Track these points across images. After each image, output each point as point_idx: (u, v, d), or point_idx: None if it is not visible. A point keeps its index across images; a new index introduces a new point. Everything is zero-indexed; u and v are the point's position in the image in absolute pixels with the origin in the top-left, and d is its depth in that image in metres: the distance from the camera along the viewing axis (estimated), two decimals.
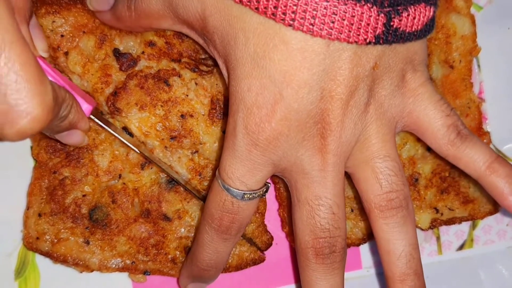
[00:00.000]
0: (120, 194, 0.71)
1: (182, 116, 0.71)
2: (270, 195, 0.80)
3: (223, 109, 0.72)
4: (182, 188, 0.72)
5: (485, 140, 0.79)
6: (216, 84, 0.72)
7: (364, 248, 0.83)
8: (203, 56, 0.73)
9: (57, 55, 0.70)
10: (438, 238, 0.85)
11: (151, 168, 0.72)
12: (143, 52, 0.71)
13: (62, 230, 0.71)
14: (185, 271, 0.70)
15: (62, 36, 0.69)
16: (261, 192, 0.63)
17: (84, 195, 0.71)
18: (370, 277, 0.83)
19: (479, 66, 0.85)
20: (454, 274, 0.84)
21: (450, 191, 0.77)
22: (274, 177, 0.76)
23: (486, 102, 0.85)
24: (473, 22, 0.78)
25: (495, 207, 0.79)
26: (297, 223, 0.63)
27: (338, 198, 0.62)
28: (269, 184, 0.65)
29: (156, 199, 0.71)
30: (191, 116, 0.71)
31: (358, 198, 0.76)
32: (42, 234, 0.71)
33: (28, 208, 0.72)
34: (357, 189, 0.65)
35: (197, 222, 0.73)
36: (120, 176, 0.72)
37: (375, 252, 0.83)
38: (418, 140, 0.76)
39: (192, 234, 0.73)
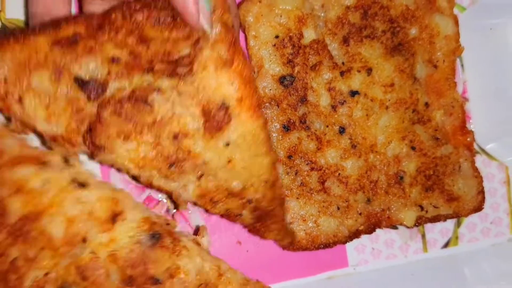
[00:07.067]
0: (89, 268, 0.56)
1: (174, 137, 0.59)
2: None
3: (219, 119, 0.60)
4: (168, 241, 0.59)
5: (469, 139, 0.80)
6: (203, 87, 0.59)
7: (350, 246, 0.84)
8: (176, 56, 0.59)
9: (8, 103, 0.56)
10: (423, 236, 0.85)
11: (124, 219, 0.58)
12: (108, 73, 0.57)
13: None
14: None
15: (5, 81, 0.55)
16: None
17: (46, 274, 0.56)
18: (356, 275, 0.83)
19: (462, 66, 0.86)
20: (439, 271, 0.85)
21: (435, 188, 0.78)
22: None
23: (470, 101, 0.87)
24: (456, 23, 0.79)
25: (480, 205, 0.81)
26: None
27: None
28: None
29: (140, 261, 0.57)
30: (185, 135, 0.59)
31: (345, 196, 0.76)
32: None
33: None
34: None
35: (193, 278, 0.61)
36: (84, 240, 0.56)
37: (362, 250, 0.84)
38: (403, 138, 0.77)
39: None
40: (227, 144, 0.60)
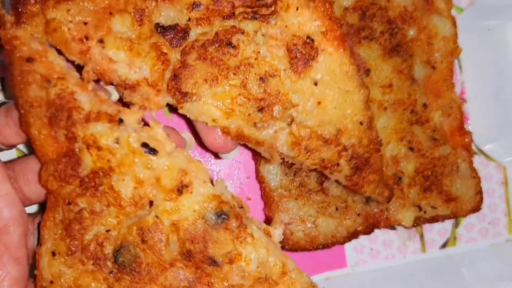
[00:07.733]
0: (151, 231, 0.55)
1: (261, 79, 0.59)
2: (256, 195, 0.80)
3: (305, 53, 0.59)
4: (234, 224, 0.57)
5: (467, 140, 0.80)
6: (286, 26, 0.59)
7: (349, 247, 0.84)
8: None
9: (87, 46, 0.55)
10: (421, 236, 0.86)
11: (191, 192, 0.56)
12: (189, 19, 0.58)
13: (82, 274, 0.57)
14: None
15: (85, 24, 0.55)
16: None
17: (107, 230, 0.56)
18: (355, 275, 0.84)
19: (460, 67, 0.86)
20: (437, 272, 0.85)
21: (433, 189, 0.78)
22: (260, 176, 0.76)
23: (467, 102, 0.87)
24: (454, 24, 0.79)
25: (478, 205, 0.81)
26: None
27: None
28: None
29: (200, 237, 0.56)
30: (272, 76, 0.59)
31: (343, 197, 0.76)
32: (57, 277, 0.57)
33: (40, 244, 0.58)
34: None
35: (254, 269, 0.58)
36: (151, 204, 0.56)
37: (360, 250, 0.84)
38: (401, 139, 0.77)
39: (247, 282, 0.57)
40: (315, 84, 0.59)
